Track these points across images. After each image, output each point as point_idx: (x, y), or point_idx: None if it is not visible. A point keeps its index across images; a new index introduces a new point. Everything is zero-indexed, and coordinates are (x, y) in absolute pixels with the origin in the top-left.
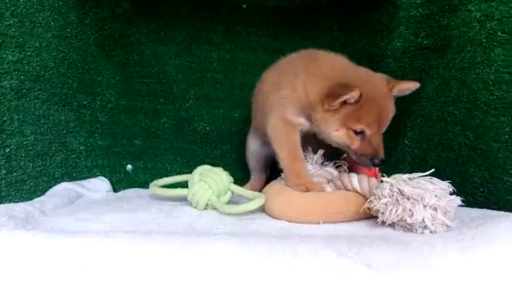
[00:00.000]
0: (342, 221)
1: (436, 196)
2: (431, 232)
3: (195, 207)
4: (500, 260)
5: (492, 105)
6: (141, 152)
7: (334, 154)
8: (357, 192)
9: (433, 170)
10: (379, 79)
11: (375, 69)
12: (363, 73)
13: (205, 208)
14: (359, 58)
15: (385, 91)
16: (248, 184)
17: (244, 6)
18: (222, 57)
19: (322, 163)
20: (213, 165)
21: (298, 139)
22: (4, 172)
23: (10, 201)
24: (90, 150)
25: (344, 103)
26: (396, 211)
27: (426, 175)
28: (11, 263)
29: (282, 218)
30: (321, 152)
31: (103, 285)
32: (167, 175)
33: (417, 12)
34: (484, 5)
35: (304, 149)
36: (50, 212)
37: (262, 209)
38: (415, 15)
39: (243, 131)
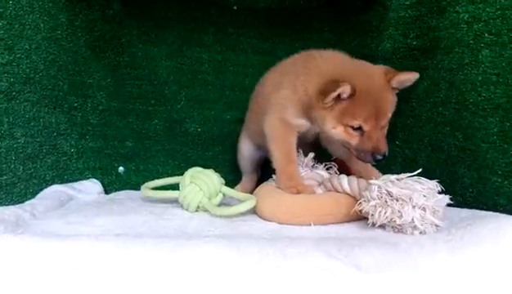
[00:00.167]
0: (332, 223)
1: (424, 196)
2: (421, 232)
3: (187, 210)
4: (488, 260)
5: (480, 106)
6: (132, 154)
7: (324, 157)
8: (347, 194)
9: (420, 170)
10: (376, 71)
11: None
12: (359, 66)
13: (196, 210)
14: None
15: (382, 83)
16: (239, 186)
17: (235, 7)
18: (213, 58)
19: (313, 166)
20: (205, 167)
21: (294, 141)
22: None
23: (0, 204)
24: (81, 152)
25: (338, 99)
26: (385, 212)
27: (414, 176)
28: None
29: (273, 220)
30: (311, 155)
31: (93, 289)
32: (159, 177)
33: (406, 14)
34: (471, 7)
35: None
36: (40, 215)
37: (254, 211)
38: (405, 16)
39: (234, 132)
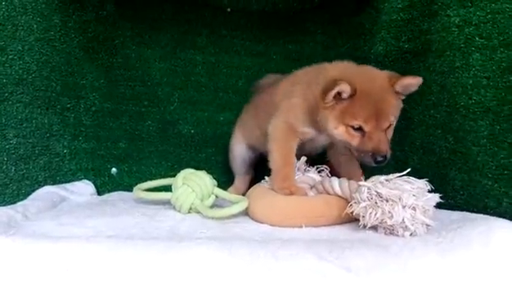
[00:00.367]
0: (324, 225)
1: (414, 195)
2: (411, 234)
3: (179, 211)
4: (477, 262)
5: (471, 109)
6: (125, 155)
7: (316, 160)
8: (338, 196)
9: (409, 169)
10: (380, 75)
11: None
12: (364, 70)
13: (189, 212)
14: None
15: (384, 86)
16: (232, 187)
17: (229, 9)
18: (207, 60)
19: (305, 169)
20: (198, 168)
21: (295, 146)
22: None
23: None
24: (74, 153)
25: (340, 99)
26: (375, 214)
27: (403, 176)
28: None
29: (265, 221)
30: (303, 159)
31: (84, 291)
32: (151, 179)
33: (398, 17)
34: (462, 10)
35: None
36: (33, 216)
37: (246, 212)
38: (397, 19)
39: (228, 134)
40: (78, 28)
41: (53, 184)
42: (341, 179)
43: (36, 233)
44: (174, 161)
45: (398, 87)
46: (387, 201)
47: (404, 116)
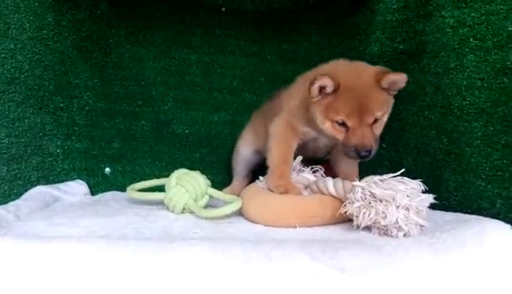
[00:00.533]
0: (319, 225)
1: (408, 196)
2: (405, 234)
3: (172, 211)
4: (471, 263)
5: (465, 110)
6: (119, 155)
7: (312, 160)
8: (332, 196)
9: (403, 170)
10: (368, 70)
11: None
12: (353, 65)
13: (182, 212)
14: None
15: (369, 81)
16: (228, 188)
17: (224, 9)
18: (201, 60)
19: (300, 170)
20: (192, 168)
21: (294, 145)
22: None
23: None
24: (67, 153)
25: (325, 94)
26: (369, 214)
27: (397, 176)
28: None
29: (259, 221)
30: (299, 158)
31: (75, 291)
32: (145, 179)
33: (393, 17)
34: (457, 11)
35: None
36: (25, 216)
37: (240, 212)
38: (391, 20)
39: (222, 134)
40: (72, 27)
41: (46, 184)
42: (335, 179)
43: (28, 233)
44: (168, 161)
45: (384, 83)
46: (381, 201)
47: (399, 117)
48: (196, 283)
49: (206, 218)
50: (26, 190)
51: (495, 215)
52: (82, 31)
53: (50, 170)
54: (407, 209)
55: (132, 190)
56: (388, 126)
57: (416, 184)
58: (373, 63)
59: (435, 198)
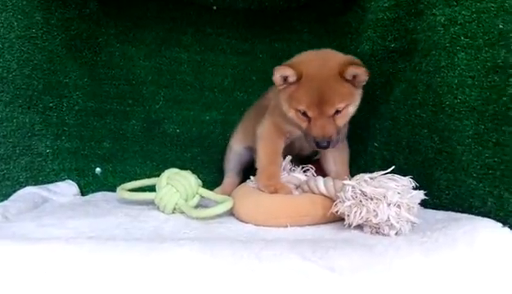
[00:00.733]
0: (309, 224)
1: (398, 193)
2: (397, 232)
3: (163, 211)
4: (462, 262)
5: (456, 109)
6: (109, 155)
7: (302, 159)
8: (323, 195)
9: (393, 167)
10: (334, 61)
11: None
12: (321, 55)
13: (173, 212)
14: None
15: (332, 73)
16: (220, 187)
17: (215, 7)
18: (192, 59)
19: (290, 169)
20: (184, 168)
21: (281, 145)
22: None
23: None
24: (57, 153)
25: (288, 83)
26: (360, 212)
27: (388, 173)
28: None
29: (250, 221)
30: (289, 158)
31: (64, 293)
32: (136, 178)
33: (384, 16)
34: (448, 9)
35: None
36: (13, 217)
37: (231, 212)
38: (383, 18)
39: (213, 133)
40: (61, 26)
41: (35, 184)
42: (326, 178)
43: (16, 234)
44: (159, 160)
45: (347, 75)
46: (371, 199)
47: (390, 116)
48: (186, 284)
49: (197, 218)
50: (15, 191)
51: (486, 213)
52: (71, 30)
53: (39, 170)
54: (398, 206)
55: (123, 190)
56: (379, 125)
57: (407, 181)
58: (364, 61)
59: (427, 197)
